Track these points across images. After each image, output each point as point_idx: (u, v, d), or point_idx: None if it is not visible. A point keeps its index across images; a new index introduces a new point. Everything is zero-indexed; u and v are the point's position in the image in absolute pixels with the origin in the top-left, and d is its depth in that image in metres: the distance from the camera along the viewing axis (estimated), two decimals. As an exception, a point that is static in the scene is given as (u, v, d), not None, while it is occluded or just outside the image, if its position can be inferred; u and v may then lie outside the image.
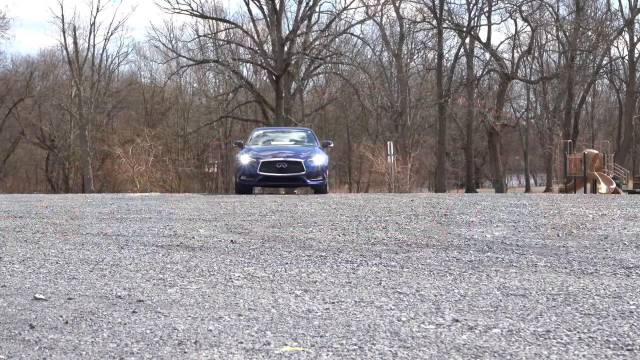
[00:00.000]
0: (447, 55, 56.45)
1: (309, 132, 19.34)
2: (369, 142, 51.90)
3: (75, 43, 52.21)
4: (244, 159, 16.85)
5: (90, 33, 53.30)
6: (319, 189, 16.90)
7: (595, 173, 40.12)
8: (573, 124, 54.06)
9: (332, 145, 18.77)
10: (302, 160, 16.54)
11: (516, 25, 57.67)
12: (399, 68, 54.09)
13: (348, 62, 49.50)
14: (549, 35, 56.43)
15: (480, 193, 30.22)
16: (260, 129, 20.19)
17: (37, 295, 4.54)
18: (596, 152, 42.84)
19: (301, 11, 46.71)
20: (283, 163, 16.52)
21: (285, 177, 16.57)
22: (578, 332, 3.65)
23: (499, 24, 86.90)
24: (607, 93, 70.09)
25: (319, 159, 16.82)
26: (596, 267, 5.56)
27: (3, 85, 56.55)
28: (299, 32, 46.08)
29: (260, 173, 16.46)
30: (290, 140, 18.69)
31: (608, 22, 53.90)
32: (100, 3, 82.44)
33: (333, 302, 4.35)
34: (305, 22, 46.76)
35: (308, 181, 16.56)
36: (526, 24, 53.26)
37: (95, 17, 72.93)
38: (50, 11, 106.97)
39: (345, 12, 48.12)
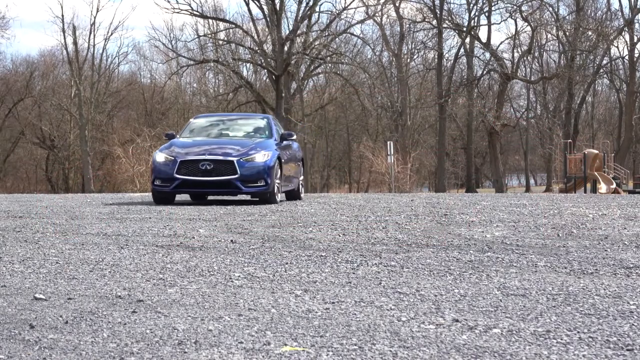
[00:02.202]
0: (447, 55, 56.51)
1: (267, 120, 14.80)
2: (369, 142, 51.95)
3: (75, 43, 52.21)
4: (160, 157, 12.96)
5: (90, 33, 53.32)
6: (262, 198, 13.00)
7: (595, 173, 40.13)
8: (573, 124, 54.07)
9: (294, 137, 14.65)
10: (234, 159, 12.62)
11: (516, 25, 57.69)
12: (399, 68, 54.10)
13: (348, 62, 49.50)
14: (549, 35, 56.46)
15: (480, 193, 30.22)
16: (201, 116, 15.73)
17: (37, 295, 4.54)
18: (596, 152, 42.86)
19: (301, 11, 46.72)
20: (208, 163, 12.64)
21: (211, 183, 12.65)
22: (578, 332, 3.64)
23: (499, 23, 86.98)
24: (607, 93, 70.10)
25: (263, 157, 12.82)
26: (596, 267, 5.56)
27: (3, 85, 56.56)
28: (299, 32, 46.08)
29: (178, 176, 12.63)
30: (240, 131, 14.55)
31: (608, 22, 53.95)
32: (100, 3, 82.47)
33: (333, 302, 4.35)
34: (305, 22, 46.76)
35: (242, 187, 12.62)
36: (526, 23, 53.28)
37: (95, 17, 72.87)
38: (50, 11, 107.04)
39: (345, 12, 48.13)
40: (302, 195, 15.36)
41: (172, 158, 12.78)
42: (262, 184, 12.69)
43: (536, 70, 59.21)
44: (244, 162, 12.68)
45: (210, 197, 14.65)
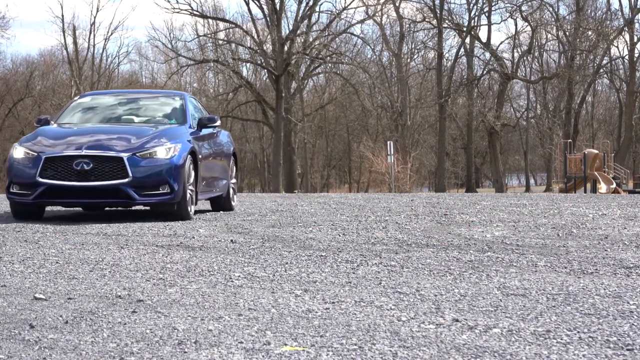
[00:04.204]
0: (447, 55, 56.49)
1: (181, 100, 10.74)
2: (369, 141, 51.93)
3: (75, 43, 52.28)
4: (18, 152, 9.22)
5: (90, 33, 53.43)
6: (167, 210, 9.38)
7: (596, 173, 40.13)
8: (573, 124, 54.06)
9: (218, 124, 10.54)
10: (124, 156, 8.90)
11: (516, 25, 57.65)
12: (399, 68, 54.11)
13: (348, 61, 49.49)
14: (549, 35, 56.42)
15: (480, 193, 30.23)
16: (89, 94, 11.78)
17: (37, 295, 4.54)
18: (596, 151, 42.88)
19: (301, 11, 46.73)
20: (85, 161, 8.87)
21: (89, 190, 8.91)
22: (578, 331, 3.65)
23: (499, 23, 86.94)
24: (607, 93, 70.06)
25: (168, 151, 9.10)
26: (596, 266, 5.56)
27: (3, 85, 56.57)
28: (299, 31, 46.09)
29: (42, 181, 8.90)
30: (142, 115, 10.54)
31: (608, 22, 53.95)
32: (100, 3, 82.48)
33: (333, 302, 4.35)
34: (305, 21, 46.78)
35: (136, 196, 8.92)
36: (526, 23, 53.28)
37: (95, 17, 72.86)
38: (50, 11, 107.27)
39: (345, 11, 48.14)
40: (234, 203, 11.40)
41: (35, 154, 9.02)
42: (165, 190, 9.01)
43: (536, 70, 59.20)
44: (139, 160, 8.95)
45: (107, 208, 10.44)
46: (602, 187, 38.43)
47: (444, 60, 55.43)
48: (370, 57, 57.47)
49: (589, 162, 40.17)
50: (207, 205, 11.61)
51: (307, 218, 9.63)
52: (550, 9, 53.84)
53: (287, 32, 45.97)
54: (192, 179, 9.48)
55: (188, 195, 9.29)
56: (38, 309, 4.20)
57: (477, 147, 64.23)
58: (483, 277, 5.16)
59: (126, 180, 8.88)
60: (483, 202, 12.82)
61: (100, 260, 5.94)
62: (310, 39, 46.42)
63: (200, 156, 9.78)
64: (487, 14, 53.99)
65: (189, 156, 9.34)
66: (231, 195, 11.24)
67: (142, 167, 8.95)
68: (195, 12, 47.40)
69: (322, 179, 61.25)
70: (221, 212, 10.94)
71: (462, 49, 54.69)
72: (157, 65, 62.11)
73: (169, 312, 4.08)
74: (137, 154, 8.97)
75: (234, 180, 11.52)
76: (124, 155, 8.91)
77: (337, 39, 49.39)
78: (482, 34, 54.90)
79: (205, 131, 10.38)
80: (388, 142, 38.80)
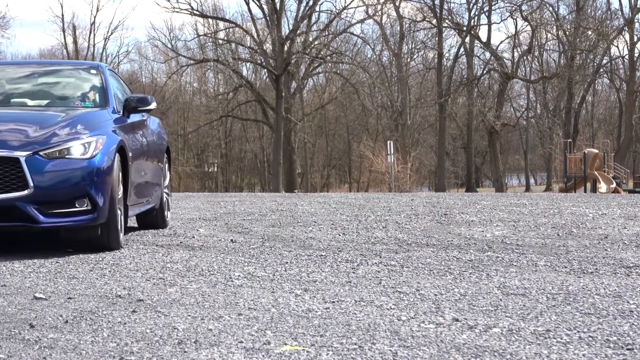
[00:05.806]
0: (447, 55, 56.47)
1: (100, 74, 7.54)
2: (369, 141, 51.94)
3: (75, 42, 52.30)
4: None
5: (90, 32, 53.43)
6: (85, 236, 6.42)
7: (596, 172, 40.14)
8: (573, 124, 54.06)
9: (153, 106, 7.32)
10: (21, 156, 5.99)
11: (516, 24, 57.70)
12: (399, 67, 54.10)
13: (348, 61, 49.51)
14: (549, 35, 56.43)
15: (480, 192, 30.24)
16: None
17: (37, 295, 4.54)
18: (596, 151, 42.89)
19: (301, 10, 46.75)
20: None
21: None
22: (578, 331, 3.65)
23: (499, 23, 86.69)
24: (607, 92, 69.99)
25: (86, 148, 6.21)
26: (596, 266, 5.56)
27: (3, 84, 56.57)
28: (299, 31, 46.11)
29: None
30: (46, 95, 7.52)
31: (608, 22, 53.95)
32: (100, 2, 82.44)
33: (333, 302, 4.35)
34: (305, 21, 46.80)
35: (40, 217, 6.01)
36: (526, 23, 53.30)
37: (95, 17, 72.88)
38: (50, 10, 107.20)
39: (345, 11, 48.17)
40: (168, 216, 8.58)
41: None
42: (83, 207, 6.16)
43: (536, 70, 59.18)
44: (44, 161, 6.06)
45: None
46: (602, 187, 38.43)
47: (444, 59, 55.43)
48: (370, 56, 57.48)
49: (589, 161, 40.18)
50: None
51: (307, 218, 9.63)
52: (550, 8, 53.87)
53: (287, 31, 45.97)
54: (120, 188, 6.57)
55: (118, 212, 6.46)
56: (38, 308, 4.20)
57: (477, 146, 64.21)
58: (483, 276, 5.16)
59: (25, 192, 5.98)
60: (483, 201, 12.81)
61: (100, 260, 5.94)
62: (310, 39, 46.44)
63: (130, 154, 6.87)
64: (487, 14, 54.00)
65: (116, 154, 6.46)
66: (165, 207, 8.35)
67: (48, 173, 6.06)
68: (195, 12, 47.41)
69: (322, 178, 61.23)
70: (222, 212, 10.94)
71: (462, 49, 54.71)
72: (157, 65, 62.04)
73: (169, 312, 4.08)
74: (41, 153, 6.06)
75: (167, 184, 8.60)
76: (21, 154, 6.01)
77: (337, 38, 49.41)
78: (482, 33, 54.94)
79: (134, 118, 7.49)
80: (388, 142, 38.81)
